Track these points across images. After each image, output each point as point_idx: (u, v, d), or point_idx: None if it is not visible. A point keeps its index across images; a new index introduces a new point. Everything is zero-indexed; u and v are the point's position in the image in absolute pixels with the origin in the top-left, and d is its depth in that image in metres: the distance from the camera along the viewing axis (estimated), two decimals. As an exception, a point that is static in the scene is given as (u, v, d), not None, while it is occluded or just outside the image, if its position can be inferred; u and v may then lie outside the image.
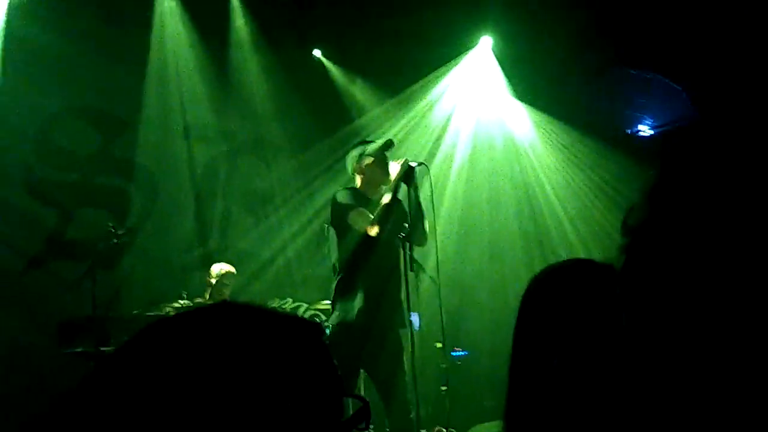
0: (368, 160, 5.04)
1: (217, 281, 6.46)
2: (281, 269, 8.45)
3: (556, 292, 1.55)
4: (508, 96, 8.46)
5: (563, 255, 8.05)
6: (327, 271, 5.43)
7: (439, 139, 8.51)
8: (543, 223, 8.46)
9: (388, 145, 5.05)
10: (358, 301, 4.79)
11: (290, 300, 7.12)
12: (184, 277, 7.50)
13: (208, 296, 6.44)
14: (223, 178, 8.53)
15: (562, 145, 8.41)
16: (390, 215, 4.74)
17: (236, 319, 1.06)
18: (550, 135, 8.45)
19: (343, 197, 4.92)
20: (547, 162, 8.48)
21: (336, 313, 4.90)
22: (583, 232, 8.30)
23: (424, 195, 5.02)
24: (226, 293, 6.43)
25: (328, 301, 5.44)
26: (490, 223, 8.49)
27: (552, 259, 7.21)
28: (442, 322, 4.99)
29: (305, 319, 1.16)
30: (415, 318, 5.63)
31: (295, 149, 8.70)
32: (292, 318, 1.11)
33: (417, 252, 4.96)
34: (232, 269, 6.65)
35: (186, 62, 7.93)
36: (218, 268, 6.58)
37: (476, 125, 8.62)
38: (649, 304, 1.09)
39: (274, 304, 6.92)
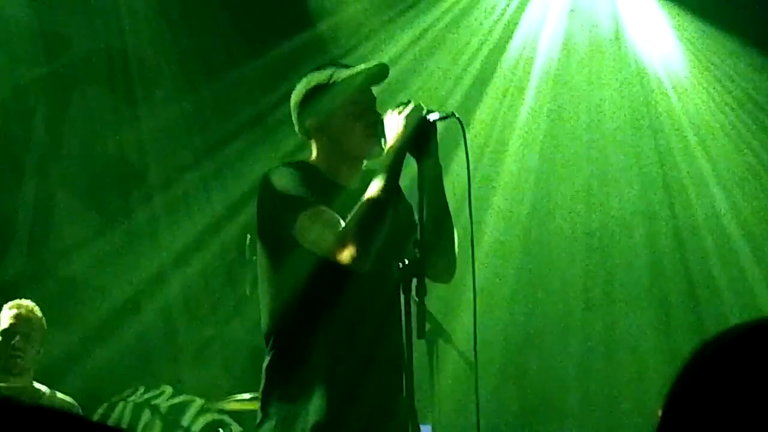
0: (335, 104, 3.71)
1: (4, 335, 4.90)
2: (154, 322, 6.48)
3: (732, 383, 1.26)
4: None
5: (728, 295, 6.21)
6: (251, 333, 5.03)
7: (489, 67, 6.37)
8: (688, 214, 6.35)
9: (378, 72, 3.72)
10: (315, 403, 3.49)
11: (168, 389, 6.04)
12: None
13: None
14: (39, 134, 6.54)
15: (714, 66, 6.44)
16: (383, 221, 3.47)
17: None
18: (699, 50, 6.45)
19: (284, 181, 3.63)
20: (696, 98, 6.42)
21: (269, 422, 3.55)
22: (757, 235, 6.31)
23: (453, 179, 4.09)
24: (24, 363, 4.86)
25: (251, 395, 4.62)
26: (586, 220, 6.37)
27: (711, 308, 6.16)
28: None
29: None
30: (427, 435, 5.02)
31: (191, 79, 6.68)
32: None
33: (435, 295, 3.64)
34: (34, 310, 5.03)
35: None
36: (9, 312, 4.99)
37: (564, 40, 6.39)
38: None
39: (135, 395, 5.79)
